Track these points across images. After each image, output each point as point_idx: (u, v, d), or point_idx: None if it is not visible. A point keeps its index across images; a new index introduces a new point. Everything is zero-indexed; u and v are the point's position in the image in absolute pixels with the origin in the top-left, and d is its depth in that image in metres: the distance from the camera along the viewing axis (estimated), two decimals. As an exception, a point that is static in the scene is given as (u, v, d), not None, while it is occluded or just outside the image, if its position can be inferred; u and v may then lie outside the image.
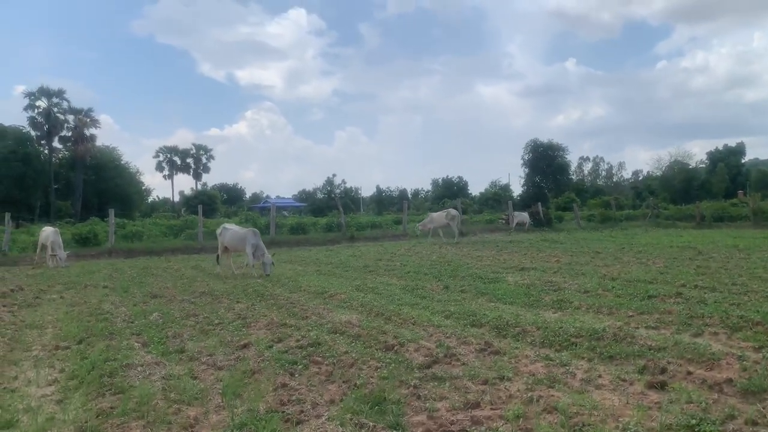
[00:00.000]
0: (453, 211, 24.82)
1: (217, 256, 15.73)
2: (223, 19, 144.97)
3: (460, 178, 75.28)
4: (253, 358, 6.46)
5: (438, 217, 24.54)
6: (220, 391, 5.34)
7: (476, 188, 75.86)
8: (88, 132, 50.61)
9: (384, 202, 74.42)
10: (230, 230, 15.33)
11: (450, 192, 67.53)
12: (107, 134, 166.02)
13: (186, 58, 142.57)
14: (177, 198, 70.28)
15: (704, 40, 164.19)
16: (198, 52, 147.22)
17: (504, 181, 72.31)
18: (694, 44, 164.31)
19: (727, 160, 71.48)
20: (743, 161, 75.26)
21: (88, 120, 50.83)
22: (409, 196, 76.18)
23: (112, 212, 25.41)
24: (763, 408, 4.43)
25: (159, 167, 69.10)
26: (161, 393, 5.31)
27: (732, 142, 75.42)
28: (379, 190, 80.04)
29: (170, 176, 69.45)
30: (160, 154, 69.23)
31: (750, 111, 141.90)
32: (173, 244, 25.70)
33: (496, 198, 58.48)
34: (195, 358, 6.60)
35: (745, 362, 5.55)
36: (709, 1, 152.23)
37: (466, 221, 35.54)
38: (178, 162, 70.13)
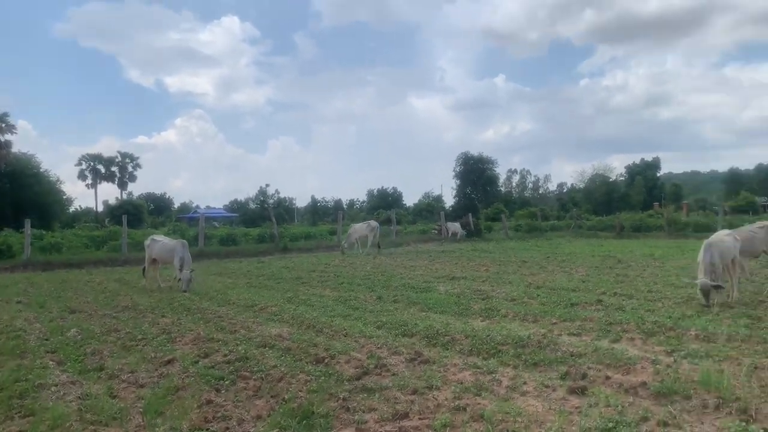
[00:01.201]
0: (373, 223, 25.85)
1: (143, 268, 15.16)
2: (153, 25, 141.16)
3: (394, 188, 75.98)
4: (178, 374, 6.24)
5: (360, 228, 25.45)
6: (141, 409, 5.13)
7: (410, 199, 76.70)
8: (2, 138, 47.60)
9: (319, 212, 74.03)
10: (159, 242, 14.82)
11: (385, 202, 67.97)
12: (25, 141, 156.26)
13: (113, 63, 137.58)
14: (101, 208, 67.34)
15: (623, 61, 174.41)
16: (126, 57, 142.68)
17: (437, 192, 73.54)
18: (614, 64, 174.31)
19: (644, 174, 75.76)
20: (658, 175, 79.99)
21: (3, 125, 47.74)
22: (345, 206, 76.10)
23: (28, 223, 23.97)
24: (674, 409, 4.68)
25: (81, 176, 66.40)
26: (76, 414, 5.04)
27: (648, 157, 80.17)
28: (314, 201, 79.59)
29: (94, 185, 66.80)
30: (83, 162, 66.62)
31: (664, 128, 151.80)
32: (96, 256, 24.52)
33: (429, 209, 59.34)
34: (115, 376, 6.30)
35: (658, 366, 5.87)
36: (627, 25, 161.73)
37: (400, 232, 35.87)
38: (103, 170, 67.58)
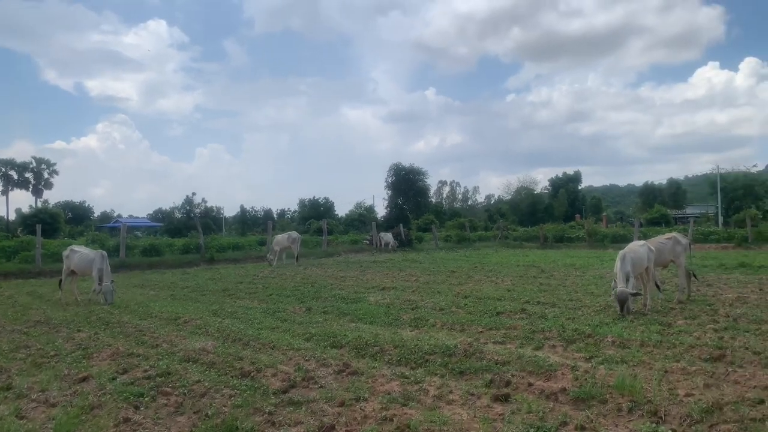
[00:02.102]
0: (294, 234, 25.92)
1: (60, 280, 14.35)
2: (73, 25, 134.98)
3: (326, 198, 75.31)
4: (94, 391, 5.92)
5: (281, 239, 25.50)
6: (52, 430, 4.83)
7: (342, 209, 76.35)
8: None
9: (248, 222, 72.55)
10: (78, 252, 14.09)
11: (317, 212, 67.37)
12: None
13: (28, 64, 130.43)
14: (12, 216, 63.38)
15: (547, 78, 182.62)
16: (42, 57, 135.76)
17: (369, 203, 73.79)
18: (539, 81, 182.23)
19: (567, 187, 79.06)
20: (580, 188, 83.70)
21: None
22: (275, 216, 74.91)
23: (-73, 232, 22.23)
24: (591, 414, 4.87)
25: (-9, 182, 62.27)
26: (-22, 438, 4.69)
27: (570, 171, 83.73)
28: (243, 210, 77.91)
29: (5, 192, 63.03)
30: (-7, 168, 62.43)
31: (585, 143, 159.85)
32: (6, 268, 22.98)
33: (362, 219, 59.48)
34: (24, 395, 5.91)
35: (577, 372, 6.10)
36: (551, 43, 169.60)
37: (332, 242, 35.73)
38: (15, 176, 63.89)
